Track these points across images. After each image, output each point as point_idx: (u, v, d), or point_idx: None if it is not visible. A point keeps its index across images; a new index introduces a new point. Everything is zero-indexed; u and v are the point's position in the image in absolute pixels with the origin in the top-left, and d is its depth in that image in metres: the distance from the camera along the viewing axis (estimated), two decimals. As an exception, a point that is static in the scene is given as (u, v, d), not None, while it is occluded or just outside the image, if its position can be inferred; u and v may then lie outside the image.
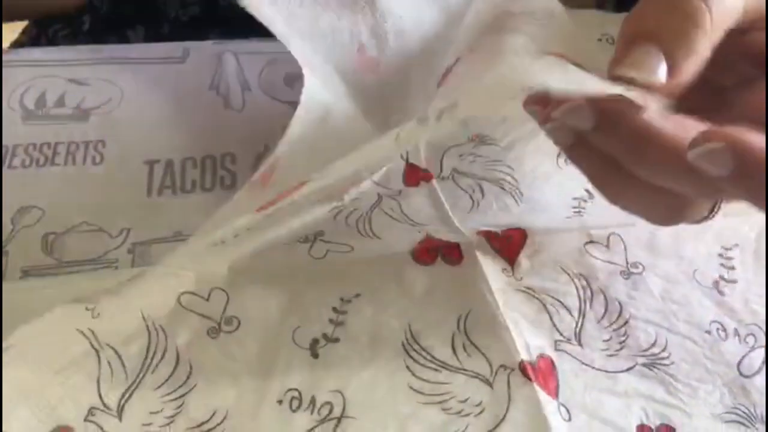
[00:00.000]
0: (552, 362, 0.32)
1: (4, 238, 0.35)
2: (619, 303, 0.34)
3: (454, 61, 0.34)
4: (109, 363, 0.28)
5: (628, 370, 0.32)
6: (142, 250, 0.35)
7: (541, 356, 0.32)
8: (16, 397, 0.26)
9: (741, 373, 0.32)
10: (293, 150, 0.34)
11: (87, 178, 0.38)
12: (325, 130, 0.37)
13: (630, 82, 0.22)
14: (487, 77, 0.27)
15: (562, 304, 0.34)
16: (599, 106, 0.23)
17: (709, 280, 0.36)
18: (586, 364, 0.32)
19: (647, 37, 0.23)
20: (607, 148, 0.24)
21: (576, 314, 0.34)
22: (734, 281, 0.36)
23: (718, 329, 0.34)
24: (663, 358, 0.32)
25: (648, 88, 0.22)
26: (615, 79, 0.23)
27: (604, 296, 0.34)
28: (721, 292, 0.35)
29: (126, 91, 0.44)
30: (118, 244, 0.36)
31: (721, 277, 0.36)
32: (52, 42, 0.54)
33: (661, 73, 0.22)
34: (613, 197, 0.25)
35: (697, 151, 0.20)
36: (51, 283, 0.33)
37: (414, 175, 0.38)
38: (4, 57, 0.44)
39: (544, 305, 0.34)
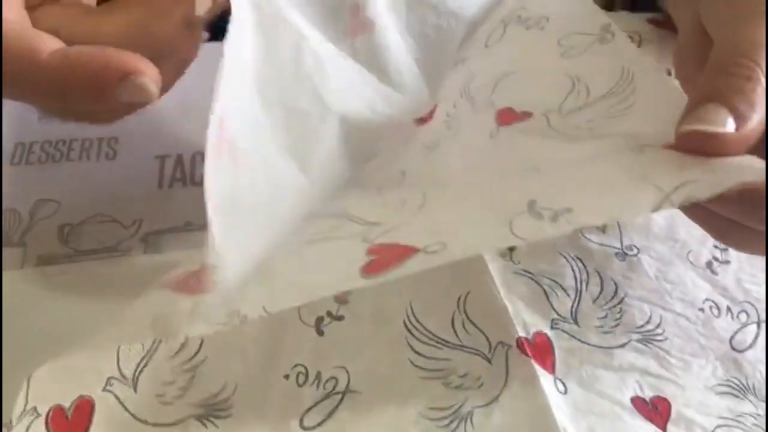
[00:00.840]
0: (549, 339, 0.33)
1: (22, 230, 0.37)
2: (615, 283, 0.35)
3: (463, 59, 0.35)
4: None
5: (622, 345, 0.33)
6: (154, 239, 0.37)
7: (538, 333, 0.33)
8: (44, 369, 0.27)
9: (733, 348, 0.33)
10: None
11: (101, 173, 0.40)
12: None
13: (700, 137, 0.24)
14: (596, 176, 0.26)
15: (559, 285, 0.35)
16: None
17: (702, 261, 0.37)
18: (582, 341, 0.33)
19: (710, 98, 0.24)
20: (727, 212, 0.25)
21: (572, 294, 0.35)
22: (727, 262, 0.37)
23: (711, 307, 0.35)
24: (657, 334, 0.33)
25: (718, 143, 0.24)
26: (684, 136, 0.24)
27: (600, 277, 0.36)
28: (714, 272, 0.36)
29: (137, 90, 0.45)
30: (131, 234, 0.37)
31: (715, 258, 0.37)
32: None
33: (729, 125, 0.24)
34: (738, 248, 0.30)
35: None
36: (67, 269, 0.34)
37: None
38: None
39: (541, 286, 0.35)
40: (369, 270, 0.24)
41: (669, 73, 0.39)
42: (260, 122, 0.31)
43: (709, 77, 0.26)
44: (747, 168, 0.23)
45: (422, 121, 0.35)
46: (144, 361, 0.29)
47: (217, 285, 0.25)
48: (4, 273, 0.34)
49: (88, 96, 0.25)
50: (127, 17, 0.28)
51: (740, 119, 0.24)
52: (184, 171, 0.41)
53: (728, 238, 0.29)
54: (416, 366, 0.31)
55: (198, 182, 0.40)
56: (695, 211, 0.29)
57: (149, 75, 0.25)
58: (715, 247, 0.38)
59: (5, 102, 0.43)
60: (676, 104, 0.26)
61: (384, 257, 0.24)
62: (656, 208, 0.22)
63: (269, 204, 0.29)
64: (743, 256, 0.37)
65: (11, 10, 0.27)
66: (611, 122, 0.28)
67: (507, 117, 0.30)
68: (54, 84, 0.25)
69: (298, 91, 0.33)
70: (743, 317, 0.35)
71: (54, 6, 0.29)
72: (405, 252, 0.24)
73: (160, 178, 0.40)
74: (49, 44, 0.26)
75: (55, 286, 0.33)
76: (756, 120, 0.24)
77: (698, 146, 0.24)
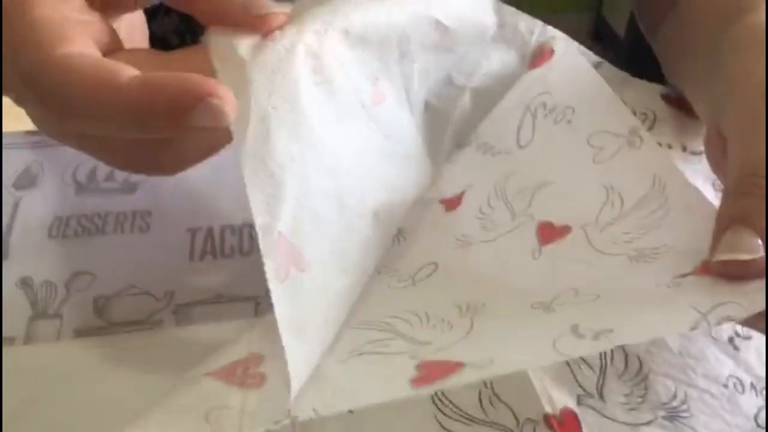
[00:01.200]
0: (575, 415, 0.33)
1: (58, 302, 0.38)
2: (639, 358, 0.36)
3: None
4: None
5: (649, 423, 0.33)
6: (185, 311, 0.38)
7: (565, 410, 0.33)
8: None
9: (758, 425, 0.33)
10: None
11: (134, 245, 0.41)
12: None
13: (735, 266, 0.25)
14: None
15: (584, 360, 0.36)
16: None
17: (724, 336, 0.37)
18: (609, 418, 0.33)
19: (736, 221, 0.26)
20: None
21: (597, 370, 0.35)
22: (749, 337, 0.37)
23: (735, 384, 0.35)
24: (683, 411, 0.34)
25: (752, 269, 0.25)
26: (720, 265, 0.25)
27: (624, 352, 0.36)
28: (736, 348, 0.37)
29: (169, 165, 0.47)
30: (163, 306, 0.38)
31: (736, 334, 0.37)
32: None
33: (759, 248, 0.25)
34: None
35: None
36: (104, 342, 0.35)
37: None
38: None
39: (567, 363, 0.36)
40: (417, 383, 0.25)
41: (684, 149, 0.40)
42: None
43: (731, 199, 0.27)
44: None
45: (450, 205, 0.36)
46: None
47: (266, 380, 0.26)
48: (41, 345, 0.35)
49: (165, 119, 0.26)
50: (193, 64, 0.29)
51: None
52: (215, 244, 0.42)
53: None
54: None
55: (227, 254, 0.41)
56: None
57: (225, 99, 0.26)
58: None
59: (45, 178, 0.45)
60: (708, 216, 0.27)
61: (433, 371, 0.25)
62: (693, 328, 0.23)
63: (329, 311, 0.30)
64: (764, 331, 0.38)
65: (88, 47, 0.28)
66: (647, 237, 0.30)
67: (548, 234, 0.31)
68: (132, 108, 0.26)
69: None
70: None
71: (124, 51, 0.31)
72: (453, 367, 0.25)
73: (191, 250, 0.41)
74: (127, 71, 0.27)
75: (93, 358, 0.34)
76: None
77: (734, 273, 0.25)
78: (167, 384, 0.31)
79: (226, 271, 0.40)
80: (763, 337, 0.37)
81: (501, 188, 0.35)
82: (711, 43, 0.36)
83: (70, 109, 0.27)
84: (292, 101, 0.29)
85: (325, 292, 0.30)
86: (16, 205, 0.43)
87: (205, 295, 0.39)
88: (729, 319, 0.23)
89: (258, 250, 0.41)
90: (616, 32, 1.93)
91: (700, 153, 0.40)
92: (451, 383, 0.24)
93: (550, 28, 0.41)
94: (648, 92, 0.45)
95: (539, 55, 0.40)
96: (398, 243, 0.35)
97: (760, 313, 0.23)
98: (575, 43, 0.40)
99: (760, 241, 0.25)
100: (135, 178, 0.46)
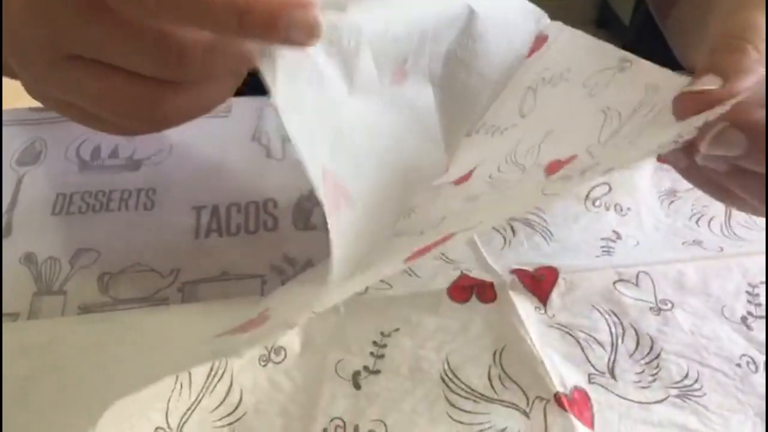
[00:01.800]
0: (586, 394, 0.33)
1: (62, 278, 0.37)
2: (651, 337, 0.35)
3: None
4: (180, 380, 0.30)
5: (661, 401, 0.33)
6: (191, 288, 0.37)
7: (576, 388, 0.33)
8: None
9: (773, 405, 0.33)
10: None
11: (139, 223, 0.41)
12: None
13: (691, 97, 0.27)
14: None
15: (595, 339, 0.35)
16: (750, 128, 0.27)
17: (737, 315, 0.37)
18: (620, 396, 0.33)
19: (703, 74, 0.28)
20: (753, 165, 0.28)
21: (608, 349, 0.35)
22: (762, 317, 0.37)
23: (748, 363, 0.35)
24: (695, 390, 0.33)
25: (707, 98, 0.27)
26: (679, 99, 0.28)
27: (636, 331, 0.36)
28: (749, 327, 0.36)
29: (174, 143, 0.46)
30: (168, 284, 0.38)
31: (749, 313, 0.37)
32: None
33: (718, 83, 0.27)
34: (739, 204, 0.32)
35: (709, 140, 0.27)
36: (106, 317, 0.35)
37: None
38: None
39: (577, 341, 0.35)
40: (410, 259, 0.26)
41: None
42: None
43: (703, 59, 0.29)
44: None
45: (460, 181, 0.36)
46: (191, 410, 0.29)
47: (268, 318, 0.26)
48: (47, 320, 0.35)
49: (262, 23, 0.24)
50: None
51: (728, 80, 0.27)
52: (220, 222, 0.41)
53: (730, 194, 0.31)
54: (454, 420, 0.31)
55: (233, 233, 0.41)
56: (694, 173, 0.32)
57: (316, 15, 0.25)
58: (749, 302, 0.38)
59: (49, 155, 0.45)
60: None
61: (425, 248, 0.27)
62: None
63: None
64: (778, 311, 0.37)
65: None
66: (646, 129, 0.30)
67: (554, 167, 0.31)
68: (230, 5, 0.24)
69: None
70: (781, 373, 0.34)
71: None
72: (443, 240, 0.26)
73: (197, 228, 0.41)
74: None
75: (98, 334, 0.33)
76: (744, 80, 0.27)
77: (692, 106, 0.27)
78: (173, 359, 0.30)
79: (232, 249, 0.40)
80: (777, 317, 0.37)
81: (511, 155, 0.35)
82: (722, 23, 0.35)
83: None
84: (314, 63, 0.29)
85: (368, 222, 0.31)
86: (19, 182, 0.43)
87: (210, 272, 0.38)
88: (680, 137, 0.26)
89: (263, 228, 0.41)
90: (621, 19, 1.92)
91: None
92: (443, 249, 0.26)
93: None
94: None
95: (536, 43, 0.40)
96: (408, 217, 0.35)
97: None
98: (568, 27, 0.40)
99: (720, 80, 0.27)
100: (139, 155, 0.45)
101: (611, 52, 0.36)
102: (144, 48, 0.27)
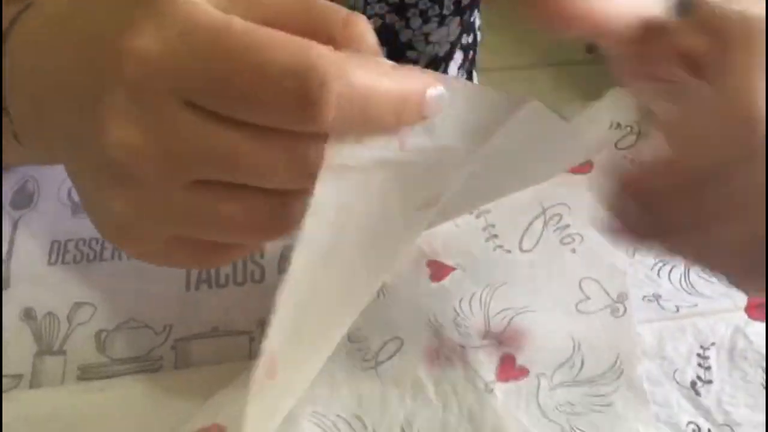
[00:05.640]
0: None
1: (62, 337, 0.40)
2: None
3: None
4: None
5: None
6: (183, 346, 0.40)
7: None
8: None
9: (712, 474, 0.37)
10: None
11: (132, 274, 0.43)
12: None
13: None
14: None
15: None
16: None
17: (687, 380, 0.40)
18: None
19: None
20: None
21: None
22: (710, 381, 0.40)
23: (693, 430, 0.38)
24: (643, 459, 0.37)
25: None
26: None
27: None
28: (698, 393, 0.40)
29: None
30: (161, 341, 0.40)
31: (699, 378, 0.40)
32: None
33: None
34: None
35: None
36: (105, 386, 0.37)
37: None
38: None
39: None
40: None
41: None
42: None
43: None
44: None
45: (437, 275, 0.38)
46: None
47: None
48: (48, 389, 0.37)
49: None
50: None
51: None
52: (210, 273, 0.44)
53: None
54: None
55: (222, 284, 0.43)
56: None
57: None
58: (699, 365, 0.41)
59: (42, 197, 0.46)
60: None
61: None
62: None
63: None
64: (725, 374, 0.41)
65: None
66: (585, 418, 0.32)
67: (506, 371, 0.33)
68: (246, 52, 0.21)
69: None
70: (722, 440, 0.38)
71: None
72: None
73: (187, 279, 0.43)
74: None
75: (98, 404, 0.36)
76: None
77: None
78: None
79: (221, 303, 0.42)
80: (724, 383, 0.40)
81: (487, 297, 0.37)
82: None
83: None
84: None
85: (287, 392, 0.30)
86: (14, 227, 0.44)
87: (202, 328, 0.41)
88: None
89: (250, 280, 0.43)
90: None
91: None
92: None
93: None
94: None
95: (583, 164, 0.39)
96: (379, 298, 0.37)
97: None
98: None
99: None
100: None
101: (618, 276, 0.38)
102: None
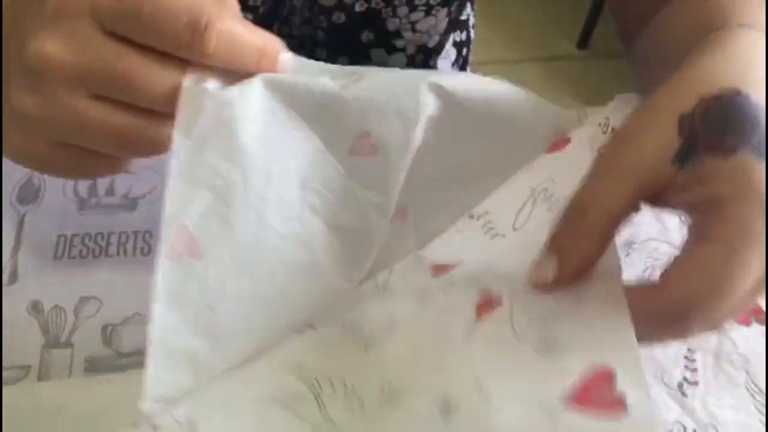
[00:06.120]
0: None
1: (69, 330, 0.41)
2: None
3: None
4: None
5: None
6: (187, 341, 0.41)
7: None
8: None
9: (696, 472, 0.38)
10: None
11: (137, 269, 0.44)
12: None
13: None
14: None
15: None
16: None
17: (674, 382, 0.42)
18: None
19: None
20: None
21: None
22: (695, 383, 0.42)
23: (679, 430, 0.40)
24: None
25: None
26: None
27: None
28: (684, 394, 0.41)
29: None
30: (166, 335, 0.41)
31: (685, 379, 0.42)
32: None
33: None
34: None
35: None
36: (112, 379, 0.38)
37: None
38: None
39: None
40: None
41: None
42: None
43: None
44: None
45: (438, 270, 0.39)
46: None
47: None
48: (57, 381, 0.38)
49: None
50: None
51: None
52: (213, 269, 0.45)
53: None
54: None
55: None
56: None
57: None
58: (686, 367, 0.42)
59: (48, 192, 0.47)
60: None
61: None
62: None
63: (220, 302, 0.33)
64: (710, 376, 0.42)
65: None
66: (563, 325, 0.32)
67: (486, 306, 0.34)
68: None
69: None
70: (706, 440, 0.40)
71: None
72: None
73: (192, 275, 0.44)
74: None
75: (106, 397, 0.37)
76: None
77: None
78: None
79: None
80: (709, 385, 0.42)
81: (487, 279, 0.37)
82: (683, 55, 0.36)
83: None
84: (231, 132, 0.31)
85: (217, 283, 0.33)
86: (21, 222, 0.45)
87: (205, 323, 0.42)
88: None
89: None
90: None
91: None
92: None
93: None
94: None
95: (558, 142, 0.40)
96: (380, 293, 0.38)
97: None
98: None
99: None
100: (134, 192, 0.48)
101: None
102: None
